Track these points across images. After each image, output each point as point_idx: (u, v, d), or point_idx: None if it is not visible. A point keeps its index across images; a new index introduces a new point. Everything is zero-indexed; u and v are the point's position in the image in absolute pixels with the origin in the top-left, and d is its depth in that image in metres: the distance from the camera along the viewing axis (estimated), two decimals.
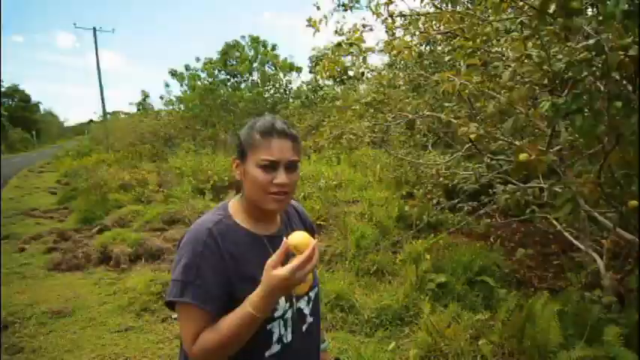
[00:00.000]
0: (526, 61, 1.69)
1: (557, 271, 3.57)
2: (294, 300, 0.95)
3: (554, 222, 3.31)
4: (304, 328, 0.99)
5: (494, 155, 2.78)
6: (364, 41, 2.49)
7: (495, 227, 4.68)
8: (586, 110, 1.48)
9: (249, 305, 0.79)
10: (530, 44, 1.77)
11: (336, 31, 3.12)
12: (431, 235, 3.98)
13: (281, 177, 0.88)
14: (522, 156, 1.83)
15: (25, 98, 43.37)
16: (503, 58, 1.85)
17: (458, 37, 1.97)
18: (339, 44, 2.61)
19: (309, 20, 3.17)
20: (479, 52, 1.74)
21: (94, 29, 21.11)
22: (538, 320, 2.19)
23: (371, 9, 2.93)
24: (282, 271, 0.76)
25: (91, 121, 43.35)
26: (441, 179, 3.64)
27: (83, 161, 13.79)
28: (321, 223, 4.88)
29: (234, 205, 0.98)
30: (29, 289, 3.69)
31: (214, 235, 0.87)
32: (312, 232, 1.12)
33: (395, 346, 2.56)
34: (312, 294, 1.02)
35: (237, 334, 0.80)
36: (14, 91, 42.13)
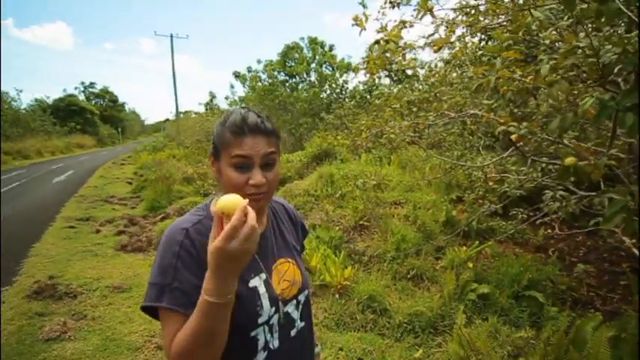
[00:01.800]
0: (572, 54, 1.52)
1: (626, 293, 3.13)
2: (280, 304, 0.89)
3: (623, 237, 2.91)
4: (293, 333, 0.93)
5: (549, 159, 2.52)
6: (402, 37, 2.41)
7: (556, 239, 4.25)
8: None
9: (203, 292, 0.70)
10: (582, 34, 1.59)
11: (379, 30, 3.07)
12: (477, 242, 3.73)
13: (256, 177, 0.80)
14: (569, 160, 1.66)
15: (114, 98, 49.02)
16: (549, 51, 1.68)
17: (496, 30, 1.82)
18: (376, 42, 2.56)
19: (356, 19, 3.17)
20: (520, 45, 1.60)
21: (171, 36, 23.17)
22: (586, 344, 1.96)
23: (418, 5, 2.84)
24: (216, 241, 0.67)
25: (167, 119, 47.54)
26: (490, 183, 3.41)
27: (157, 156, 15.19)
28: (364, 223, 4.84)
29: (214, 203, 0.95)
30: (98, 266, 4.20)
31: (191, 235, 0.81)
32: (304, 232, 1.10)
33: (423, 354, 2.46)
34: (301, 297, 0.96)
35: (202, 327, 0.71)
36: (105, 93, 47.85)
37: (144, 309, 0.81)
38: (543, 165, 2.72)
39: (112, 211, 7.15)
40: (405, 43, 2.51)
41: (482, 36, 4.44)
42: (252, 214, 0.69)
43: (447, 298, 3.01)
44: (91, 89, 47.18)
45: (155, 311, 0.80)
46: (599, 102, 1.33)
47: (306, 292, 0.98)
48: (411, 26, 2.51)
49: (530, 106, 2.74)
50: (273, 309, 0.87)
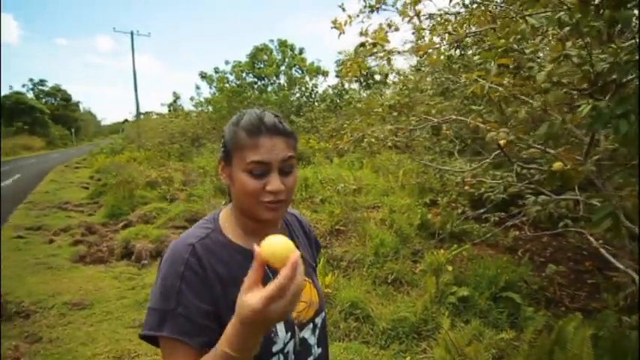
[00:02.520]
0: (564, 62, 1.55)
1: (592, 291, 3.31)
2: (296, 329, 0.80)
3: (590, 237, 3.07)
4: None
5: (525, 164, 2.61)
6: (389, 41, 2.39)
7: (524, 240, 4.43)
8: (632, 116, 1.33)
9: (225, 342, 0.60)
10: (569, 44, 1.63)
11: (361, 33, 3.05)
12: (454, 245, 3.80)
13: (274, 183, 0.72)
14: (557, 165, 1.69)
15: (66, 97, 45.87)
16: (538, 60, 1.72)
17: (489, 37, 1.84)
18: (362, 44, 2.53)
19: (334, 22, 3.12)
20: (512, 52, 1.61)
21: (132, 33, 22.07)
22: (569, 344, 2.01)
23: (398, 10, 2.84)
24: (253, 300, 0.55)
25: (126, 120, 45.26)
26: (466, 188, 3.48)
27: (115, 158, 14.34)
28: (340, 228, 4.79)
29: (225, 215, 0.82)
30: (53, 280, 3.82)
31: (198, 252, 0.72)
32: (317, 247, 1.01)
33: None
34: (318, 320, 0.86)
35: None
36: (57, 91, 44.69)
37: (143, 338, 0.72)
38: (518, 170, 2.81)
39: (66, 219, 6.60)
40: (390, 49, 2.49)
41: (460, 44, 4.57)
42: (301, 268, 0.57)
43: (429, 301, 3.02)
44: (41, 87, 43.87)
45: (156, 339, 0.71)
46: (594, 109, 1.35)
47: (323, 314, 0.89)
48: (397, 30, 2.50)
49: (505, 113, 2.82)
50: (289, 334, 0.78)
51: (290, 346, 0.78)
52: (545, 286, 3.32)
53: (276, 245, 0.58)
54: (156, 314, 0.70)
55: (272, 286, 0.55)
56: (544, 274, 3.53)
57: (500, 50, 1.54)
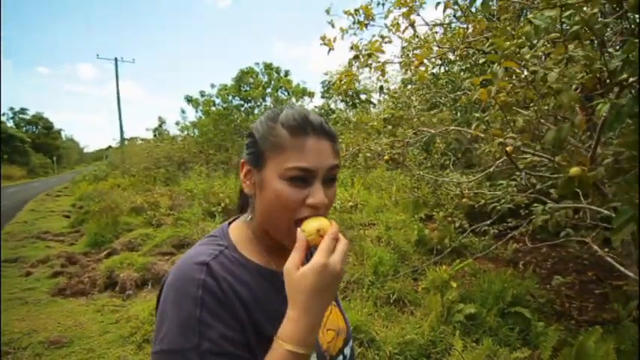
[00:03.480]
0: (569, 64, 1.51)
1: (599, 302, 3.22)
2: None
3: (594, 246, 3.00)
4: None
5: (532, 172, 2.55)
6: (384, 52, 2.35)
7: (524, 252, 4.36)
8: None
9: (283, 342, 0.53)
10: (571, 46, 1.60)
11: (351, 47, 3.02)
12: (455, 260, 3.69)
13: (318, 195, 0.61)
14: (574, 170, 1.61)
15: (48, 125, 45.11)
16: (541, 63, 1.67)
17: (493, 39, 1.81)
18: (356, 56, 2.48)
19: (323, 38, 3.09)
20: (518, 54, 1.56)
21: (115, 59, 22.05)
22: None
23: (387, 26, 2.83)
24: (313, 260, 0.54)
25: (110, 147, 44.57)
26: (465, 200, 3.41)
27: (99, 185, 13.94)
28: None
29: (237, 230, 0.70)
30: (29, 316, 3.52)
31: (214, 272, 0.60)
32: None
33: None
34: (347, 351, 0.76)
35: None
36: (38, 119, 43.96)
37: None
38: (520, 180, 2.75)
39: (45, 249, 6.23)
40: (387, 60, 2.45)
41: (445, 61, 4.62)
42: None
43: (435, 321, 2.86)
44: (21, 115, 43.09)
45: None
46: (613, 108, 1.29)
47: (351, 343, 0.79)
48: (390, 41, 2.47)
49: (507, 120, 2.79)
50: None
51: None
52: (552, 299, 3.22)
53: (315, 222, 0.60)
54: (175, 358, 0.54)
55: (324, 240, 0.57)
56: (549, 286, 3.44)
57: (506, 52, 1.49)
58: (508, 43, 1.49)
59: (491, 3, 2.63)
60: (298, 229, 0.59)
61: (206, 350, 0.54)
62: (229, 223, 0.73)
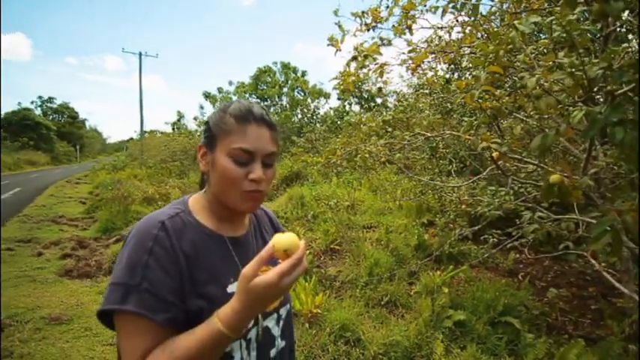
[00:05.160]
0: (556, 70, 1.50)
1: (596, 318, 3.14)
2: (259, 317, 0.79)
3: (592, 260, 2.94)
4: (273, 353, 0.82)
5: (520, 179, 2.52)
6: (381, 54, 2.37)
7: (524, 264, 4.28)
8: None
9: (219, 322, 0.64)
10: (561, 54, 1.59)
11: (355, 48, 3.06)
12: (451, 267, 3.66)
13: (257, 172, 0.74)
14: (554, 177, 1.60)
15: (73, 115, 46.72)
16: (530, 69, 1.67)
17: (479, 45, 1.81)
18: (354, 57, 2.51)
19: (330, 39, 3.13)
20: (504, 59, 1.57)
21: (140, 54, 22.67)
22: None
23: (393, 28, 2.85)
24: (268, 276, 0.63)
25: (131, 138, 45.77)
26: (463, 207, 3.38)
27: (117, 175, 14.35)
28: (335, 247, 4.66)
29: (195, 200, 0.83)
30: (35, 293, 3.69)
31: (168, 229, 0.72)
32: None
33: None
34: (282, 311, 0.86)
35: (200, 357, 0.64)
36: (65, 108, 45.57)
37: (101, 315, 0.70)
38: (512, 186, 2.73)
39: (59, 232, 6.50)
40: (385, 62, 2.47)
41: (458, 66, 4.59)
42: (306, 258, 0.68)
43: (423, 325, 2.86)
44: (49, 104, 44.81)
45: (111, 320, 0.69)
46: (588, 116, 1.29)
47: (287, 306, 0.88)
48: (389, 43, 2.49)
49: (499, 126, 2.77)
50: (252, 321, 0.77)
51: (252, 334, 0.78)
52: (546, 312, 3.16)
53: (287, 238, 0.68)
54: (119, 289, 0.67)
55: (286, 263, 0.64)
56: (545, 298, 3.38)
57: (490, 57, 1.50)
58: (492, 47, 1.50)
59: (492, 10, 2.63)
60: (270, 243, 0.67)
61: (144, 289, 0.66)
62: (190, 195, 0.87)
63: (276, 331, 0.84)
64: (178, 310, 0.68)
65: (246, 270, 0.64)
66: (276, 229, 0.97)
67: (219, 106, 0.81)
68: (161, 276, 0.68)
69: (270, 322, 0.83)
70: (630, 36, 1.49)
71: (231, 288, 0.75)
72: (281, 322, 0.85)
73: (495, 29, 1.91)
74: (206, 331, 0.64)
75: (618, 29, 1.62)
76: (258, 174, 0.74)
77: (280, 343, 0.85)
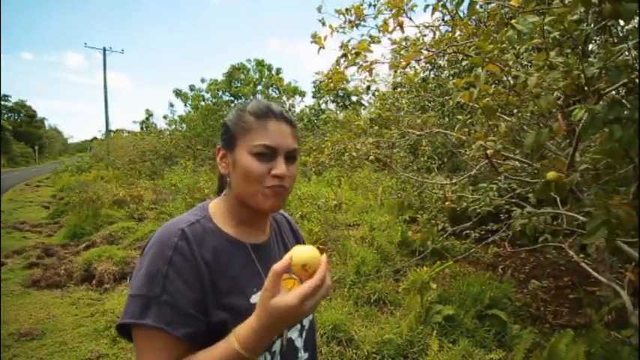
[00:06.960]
0: (550, 71, 1.54)
1: (573, 306, 3.29)
2: (284, 329, 0.76)
3: (570, 252, 3.07)
4: None
5: (512, 176, 2.59)
6: (372, 51, 2.36)
7: (503, 257, 4.43)
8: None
9: (236, 341, 0.61)
10: (553, 53, 1.63)
11: (341, 46, 3.02)
12: (436, 262, 3.72)
13: (280, 167, 0.72)
14: (551, 174, 1.63)
15: (31, 114, 43.87)
16: (523, 69, 1.70)
17: (477, 43, 1.83)
18: (344, 55, 2.48)
19: (314, 36, 3.08)
20: (502, 57, 1.59)
21: (104, 49, 21.63)
22: None
23: (377, 26, 2.84)
24: (289, 298, 0.59)
25: (95, 138, 43.65)
26: (447, 203, 3.44)
27: (82, 177, 13.63)
28: (320, 246, 4.64)
29: (215, 205, 0.80)
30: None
31: (188, 237, 0.69)
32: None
33: None
34: (305, 322, 0.83)
35: None
36: (21, 107, 42.71)
37: (120, 327, 0.68)
38: (502, 183, 2.80)
39: (21, 240, 6.07)
40: (375, 60, 2.45)
41: (435, 65, 4.67)
42: (329, 274, 0.63)
43: (414, 322, 2.88)
44: (4, 102, 41.74)
45: (130, 332, 0.67)
46: (588, 114, 1.32)
47: (311, 317, 0.86)
48: (379, 41, 2.48)
49: (489, 123, 2.83)
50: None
51: (277, 346, 0.75)
52: (528, 303, 3.28)
53: (306, 252, 0.63)
54: (139, 301, 0.65)
55: (309, 284, 0.60)
56: (526, 290, 3.50)
57: (488, 55, 1.51)
58: (491, 46, 1.51)
59: (480, 8, 2.68)
60: (287, 255, 0.62)
61: (164, 301, 0.64)
62: (210, 200, 0.84)
63: (299, 343, 0.81)
64: (199, 323, 0.66)
65: (264, 290, 0.61)
66: (296, 236, 0.94)
67: (236, 107, 0.79)
68: (181, 287, 0.65)
69: (294, 334, 0.80)
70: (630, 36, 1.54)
71: (255, 298, 0.72)
72: (304, 334, 0.83)
73: (485, 28, 1.93)
74: (224, 350, 0.62)
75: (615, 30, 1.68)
76: (282, 169, 0.72)
77: (303, 355, 0.82)
